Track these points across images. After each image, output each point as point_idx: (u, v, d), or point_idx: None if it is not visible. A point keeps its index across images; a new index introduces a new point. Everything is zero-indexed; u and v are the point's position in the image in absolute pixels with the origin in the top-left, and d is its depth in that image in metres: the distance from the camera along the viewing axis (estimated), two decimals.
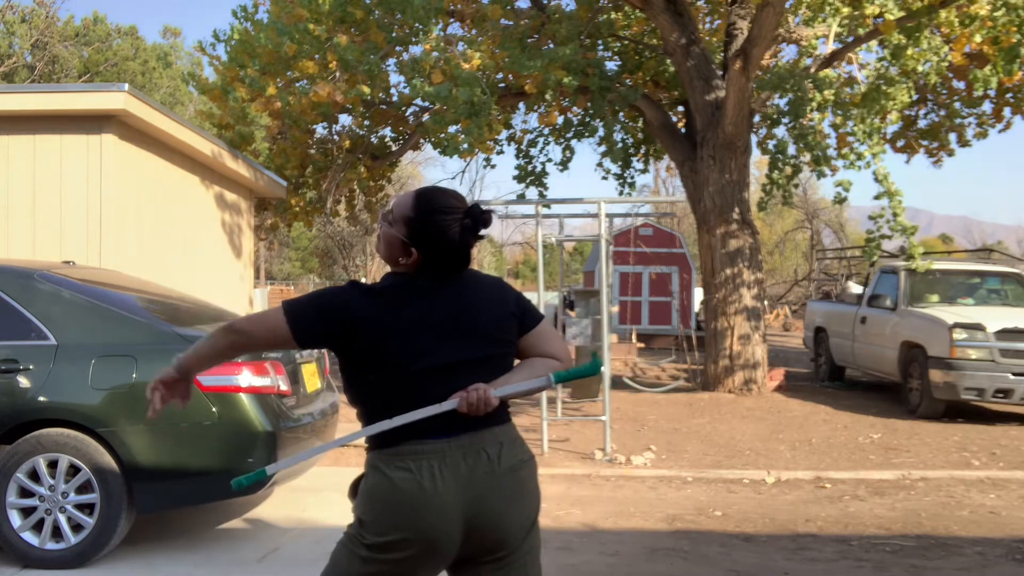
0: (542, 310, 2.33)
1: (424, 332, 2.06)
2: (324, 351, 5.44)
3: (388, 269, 2.27)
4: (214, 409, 4.19)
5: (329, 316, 2.07)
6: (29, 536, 4.17)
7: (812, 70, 10.76)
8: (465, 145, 9.76)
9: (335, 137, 12.75)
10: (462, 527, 2.03)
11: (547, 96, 10.21)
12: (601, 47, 11.77)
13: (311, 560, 4.23)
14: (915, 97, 11.87)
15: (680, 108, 12.51)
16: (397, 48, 11.22)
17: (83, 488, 4.18)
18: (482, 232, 2.12)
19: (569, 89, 9.99)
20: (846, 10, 10.14)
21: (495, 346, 2.14)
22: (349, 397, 2.18)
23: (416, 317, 2.06)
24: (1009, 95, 12.26)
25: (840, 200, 10.81)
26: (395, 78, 16.81)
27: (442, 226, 2.09)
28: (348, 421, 5.57)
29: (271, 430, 4.27)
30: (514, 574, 2.11)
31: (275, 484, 4.46)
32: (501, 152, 12.63)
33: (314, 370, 5.16)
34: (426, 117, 11.06)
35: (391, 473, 2.04)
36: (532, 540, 2.16)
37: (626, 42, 12.49)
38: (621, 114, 11.36)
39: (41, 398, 4.21)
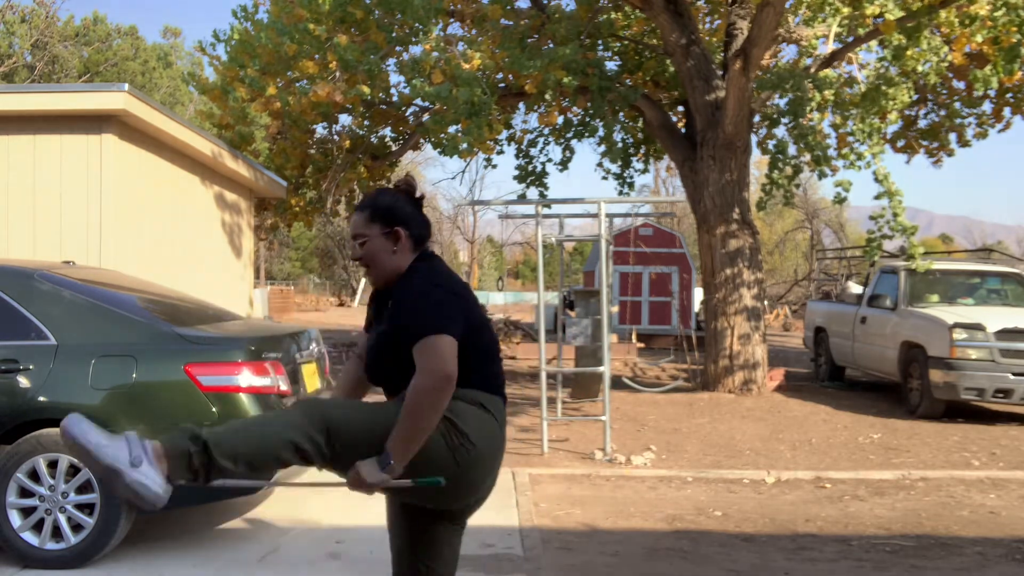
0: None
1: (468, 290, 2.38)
2: (324, 351, 5.44)
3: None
4: (214, 409, 4.18)
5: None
6: (29, 536, 4.17)
7: (812, 70, 10.76)
8: (465, 145, 9.75)
9: (335, 137, 12.75)
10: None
11: (547, 96, 10.21)
12: (601, 47, 11.77)
13: (311, 560, 4.23)
14: (915, 97, 11.86)
15: (680, 108, 12.50)
16: (397, 48, 11.22)
17: (83, 488, 4.18)
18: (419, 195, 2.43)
19: (569, 89, 9.99)
20: (846, 10, 10.14)
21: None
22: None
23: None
24: (1009, 95, 12.25)
25: (840, 200, 10.81)
26: (395, 78, 16.85)
27: (394, 196, 2.38)
28: None
29: None
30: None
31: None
32: (501, 152, 12.63)
33: (314, 370, 5.15)
34: (426, 117, 11.05)
35: (496, 414, 2.31)
36: None
37: (626, 42, 12.49)
38: (621, 114, 11.36)
39: (41, 398, 4.20)
